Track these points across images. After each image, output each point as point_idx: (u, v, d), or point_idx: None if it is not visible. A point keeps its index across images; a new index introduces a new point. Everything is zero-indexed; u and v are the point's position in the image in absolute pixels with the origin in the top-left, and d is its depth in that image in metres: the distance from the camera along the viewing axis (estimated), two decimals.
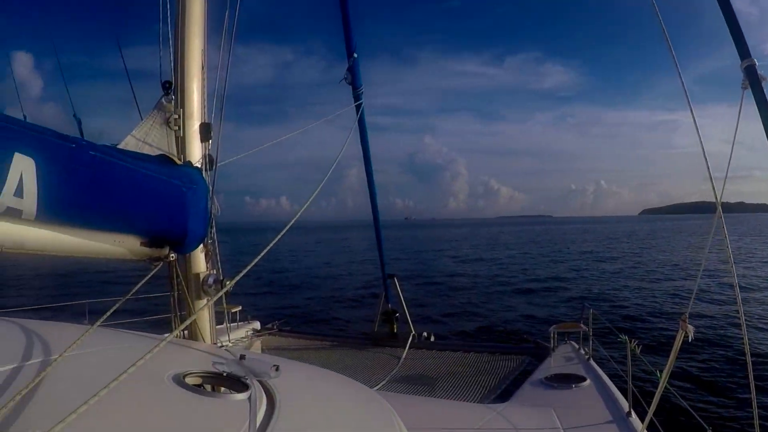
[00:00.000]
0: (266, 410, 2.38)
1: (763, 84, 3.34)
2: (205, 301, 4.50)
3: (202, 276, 4.47)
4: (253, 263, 3.57)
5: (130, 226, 3.73)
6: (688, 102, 3.79)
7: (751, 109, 3.35)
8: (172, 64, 4.61)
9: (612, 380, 7.55)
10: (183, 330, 4.57)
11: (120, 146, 4.07)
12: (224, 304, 4.61)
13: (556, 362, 8.79)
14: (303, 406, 2.66)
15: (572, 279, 36.37)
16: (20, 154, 3.00)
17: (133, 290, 3.58)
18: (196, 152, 4.51)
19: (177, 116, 4.41)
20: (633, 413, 6.09)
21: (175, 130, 4.38)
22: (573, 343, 9.83)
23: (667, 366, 4.18)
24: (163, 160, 4.09)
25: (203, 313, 4.53)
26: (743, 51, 3.48)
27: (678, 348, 4.01)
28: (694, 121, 3.85)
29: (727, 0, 3.55)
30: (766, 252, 55.83)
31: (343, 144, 7.09)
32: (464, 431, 6.00)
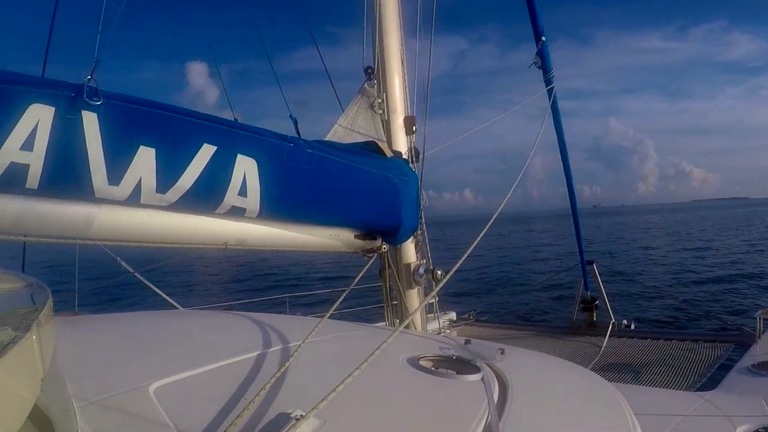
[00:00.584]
0: (499, 392, 2.42)
1: None
2: (416, 291, 4.60)
3: (413, 266, 4.55)
4: (464, 256, 3.57)
5: (346, 219, 3.87)
6: None
7: None
8: (373, 59, 4.73)
9: None
10: (394, 319, 4.72)
11: (328, 136, 4.24)
12: (435, 294, 4.65)
13: (763, 349, 8.23)
14: (532, 386, 2.67)
15: None
16: (243, 156, 3.21)
17: (354, 282, 3.72)
18: (401, 145, 4.59)
19: (380, 100, 4.51)
20: None
21: (380, 114, 4.48)
22: None
23: None
24: (373, 150, 4.18)
25: (414, 303, 4.61)
26: None
27: None
28: None
29: None
30: None
31: (538, 131, 6.90)
32: (675, 417, 5.76)
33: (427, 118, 4.79)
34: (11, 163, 2.61)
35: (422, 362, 2.68)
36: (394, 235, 4.10)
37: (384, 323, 4.94)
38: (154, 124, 3.01)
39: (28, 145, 2.63)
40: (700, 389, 7.47)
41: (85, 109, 2.77)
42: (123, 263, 5.79)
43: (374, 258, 4.20)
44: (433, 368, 2.65)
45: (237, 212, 3.29)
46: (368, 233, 4.07)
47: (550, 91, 10.18)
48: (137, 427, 1.94)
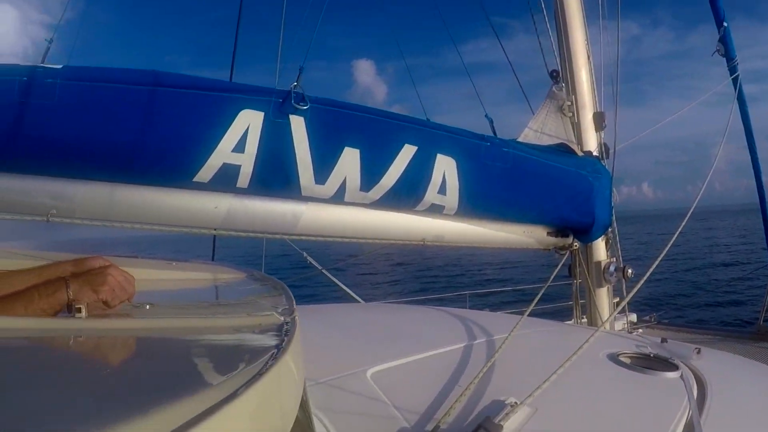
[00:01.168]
0: (697, 390, 2.42)
1: None
2: (605, 289, 4.53)
3: (603, 264, 4.48)
4: (660, 257, 3.50)
5: (540, 217, 3.90)
6: None
7: None
8: (557, 56, 4.71)
9: None
10: (583, 316, 4.69)
11: (519, 138, 4.26)
12: (624, 293, 4.57)
13: None
14: (731, 387, 2.66)
15: None
16: (442, 155, 3.31)
17: (550, 279, 3.76)
18: (591, 141, 4.53)
19: (570, 103, 4.48)
20: None
21: (569, 117, 4.45)
22: None
23: None
24: (564, 150, 4.18)
25: (604, 301, 4.54)
26: None
27: None
28: None
29: None
30: None
31: (726, 124, 6.56)
32: None
33: (617, 112, 4.70)
34: (224, 164, 2.86)
35: (622, 358, 2.73)
36: (587, 233, 4.06)
37: (571, 321, 4.91)
38: (358, 126, 3.18)
39: (239, 147, 2.87)
40: None
41: (292, 113, 2.98)
42: (309, 258, 6.05)
43: (567, 255, 4.19)
44: (632, 364, 2.69)
45: (436, 210, 3.40)
46: (561, 230, 4.07)
47: (735, 80, 9.62)
48: (359, 405, 2.14)
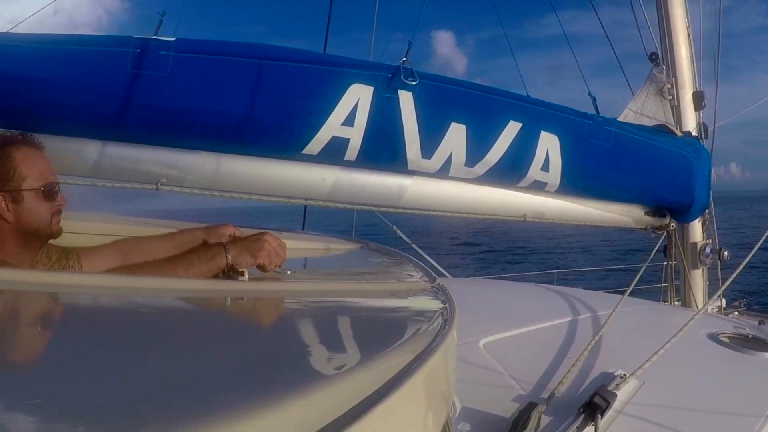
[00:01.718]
0: None
1: None
2: (700, 271, 4.50)
3: (699, 245, 4.43)
4: (761, 240, 3.46)
5: (639, 196, 3.89)
6: None
7: None
8: (658, 37, 4.64)
9: None
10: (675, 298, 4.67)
11: (619, 119, 4.23)
12: (719, 275, 4.51)
13: None
14: None
15: None
16: (546, 132, 3.34)
17: (648, 260, 3.80)
18: (689, 121, 4.46)
19: (669, 85, 4.41)
20: None
21: (669, 100, 4.39)
22: None
23: None
24: (663, 130, 4.13)
25: (698, 282, 4.51)
26: None
27: None
28: None
29: None
30: None
31: None
32: None
33: (717, 89, 4.63)
34: (333, 137, 2.94)
35: (721, 338, 2.80)
36: (685, 213, 4.02)
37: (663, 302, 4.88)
38: (465, 102, 3.24)
39: (349, 121, 2.95)
40: None
41: (401, 88, 3.03)
42: (399, 232, 6.07)
43: (664, 236, 4.16)
44: (731, 344, 2.76)
45: (537, 186, 3.43)
46: (658, 210, 4.04)
47: None
48: (476, 373, 2.25)
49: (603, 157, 3.57)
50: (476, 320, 2.82)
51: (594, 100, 4.24)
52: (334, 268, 2.70)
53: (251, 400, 0.64)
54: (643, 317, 3.33)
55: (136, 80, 2.67)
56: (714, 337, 2.78)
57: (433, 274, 1.90)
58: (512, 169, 3.30)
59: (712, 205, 4.49)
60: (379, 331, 1.21)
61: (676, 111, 4.42)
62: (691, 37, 4.70)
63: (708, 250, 4.41)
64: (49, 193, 1.96)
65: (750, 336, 2.88)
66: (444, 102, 3.18)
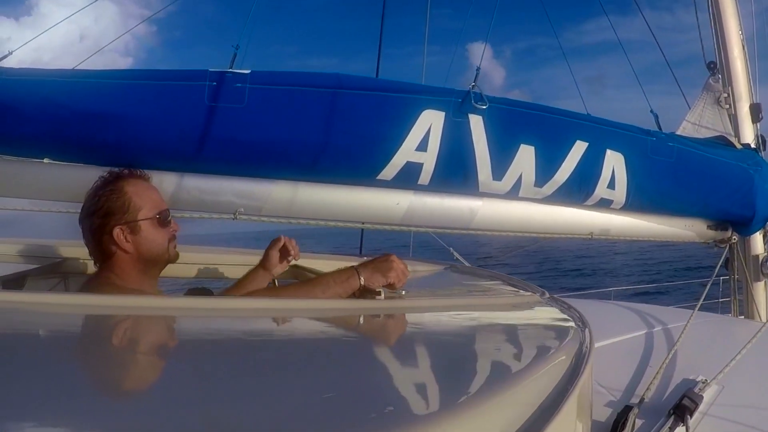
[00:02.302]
0: None
1: None
2: (763, 283, 4.49)
3: (761, 258, 4.44)
4: None
5: (702, 210, 3.94)
6: None
7: None
8: (715, 48, 4.67)
9: None
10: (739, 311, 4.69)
11: (678, 131, 4.29)
12: None
13: None
14: None
15: None
16: (611, 150, 3.43)
17: (714, 274, 3.91)
18: (747, 133, 4.49)
19: (726, 95, 4.46)
20: None
21: (726, 109, 4.43)
22: None
23: None
24: (723, 143, 4.19)
25: (761, 295, 4.51)
26: None
27: None
28: None
29: None
30: None
31: None
32: None
33: None
34: (407, 162, 3.05)
35: None
36: (746, 225, 4.06)
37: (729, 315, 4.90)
38: (533, 124, 3.34)
39: (422, 146, 3.06)
40: None
41: (471, 112, 3.14)
42: (455, 254, 6.09)
43: (726, 249, 4.19)
44: None
45: (604, 204, 3.51)
46: (720, 223, 4.08)
47: None
48: None
49: (667, 173, 3.64)
50: None
51: (656, 117, 4.29)
52: (437, 286, 2.81)
53: (463, 401, 0.73)
54: (714, 329, 3.45)
55: (213, 113, 2.78)
56: None
57: (538, 287, 2.02)
58: (580, 188, 3.38)
59: None
60: (526, 342, 1.31)
61: (734, 123, 4.45)
62: (746, 49, 4.72)
63: None
64: (163, 220, 2.10)
65: None
66: (513, 124, 3.28)
